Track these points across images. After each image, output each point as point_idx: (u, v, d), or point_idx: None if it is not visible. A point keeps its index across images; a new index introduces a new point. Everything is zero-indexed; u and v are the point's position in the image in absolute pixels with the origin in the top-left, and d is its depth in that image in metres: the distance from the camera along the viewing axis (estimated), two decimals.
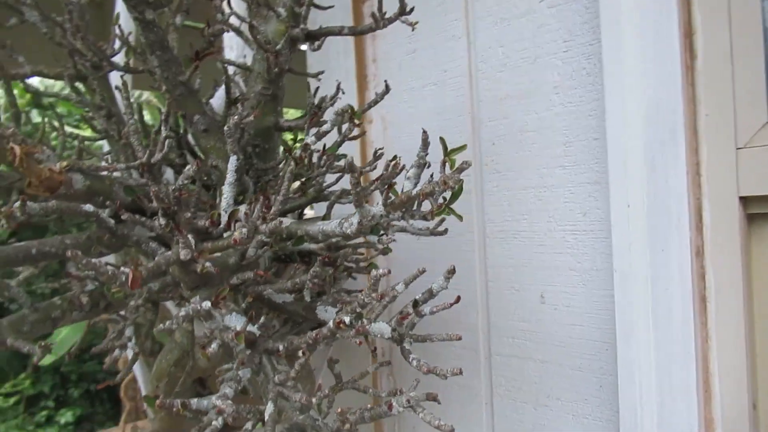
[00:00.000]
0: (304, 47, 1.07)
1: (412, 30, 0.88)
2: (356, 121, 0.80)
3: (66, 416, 6.94)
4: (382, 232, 0.80)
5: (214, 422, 0.56)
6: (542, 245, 1.01)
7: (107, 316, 0.68)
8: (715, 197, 0.79)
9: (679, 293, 0.80)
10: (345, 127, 0.84)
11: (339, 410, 0.65)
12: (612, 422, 0.92)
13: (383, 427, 1.31)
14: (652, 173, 0.82)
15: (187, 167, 0.63)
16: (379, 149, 0.90)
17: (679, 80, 0.79)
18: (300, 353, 0.61)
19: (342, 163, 0.83)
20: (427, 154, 0.68)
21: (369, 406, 0.68)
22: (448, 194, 0.70)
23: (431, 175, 0.69)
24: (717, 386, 0.79)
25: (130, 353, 0.75)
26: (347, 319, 0.61)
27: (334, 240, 0.69)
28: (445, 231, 0.84)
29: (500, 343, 1.09)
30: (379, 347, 1.30)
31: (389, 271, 0.67)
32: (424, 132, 0.68)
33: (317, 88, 1.01)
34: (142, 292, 0.65)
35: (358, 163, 1.31)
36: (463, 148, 0.76)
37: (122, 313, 0.67)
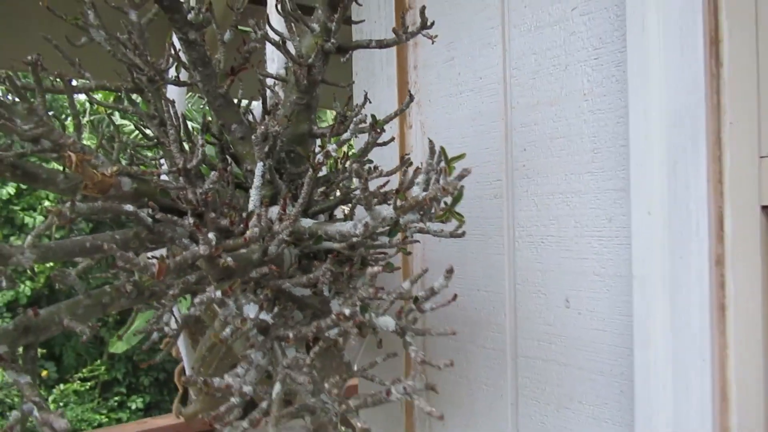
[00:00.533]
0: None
1: (432, 43, 0.92)
2: (378, 129, 0.85)
3: (137, 402, 7.37)
4: (399, 233, 0.84)
5: (232, 399, 0.62)
6: (569, 250, 1.03)
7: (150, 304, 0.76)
8: (737, 206, 0.79)
9: (697, 301, 0.80)
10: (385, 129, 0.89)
11: (336, 391, 0.70)
12: (631, 427, 0.92)
13: (414, 421, 1.36)
14: (674, 181, 0.82)
15: (212, 173, 0.71)
16: (407, 155, 0.95)
17: (703, 88, 0.79)
18: (312, 342, 0.67)
19: (368, 167, 0.88)
20: (434, 161, 0.72)
21: (372, 392, 0.73)
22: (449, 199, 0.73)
23: (438, 180, 0.73)
24: (734, 394, 0.79)
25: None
26: (347, 311, 0.66)
27: (354, 240, 0.74)
28: (463, 234, 0.88)
29: (526, 345, 1.11)
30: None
31: (382, 269, 0.71)
32: (431, 141, 0.72)
33: (349, 97, 1.07)
34: (179, 283, 0.72)
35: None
36: (461, 156, 0.80)
37: (162, 301, 0.75)
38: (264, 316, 0.67)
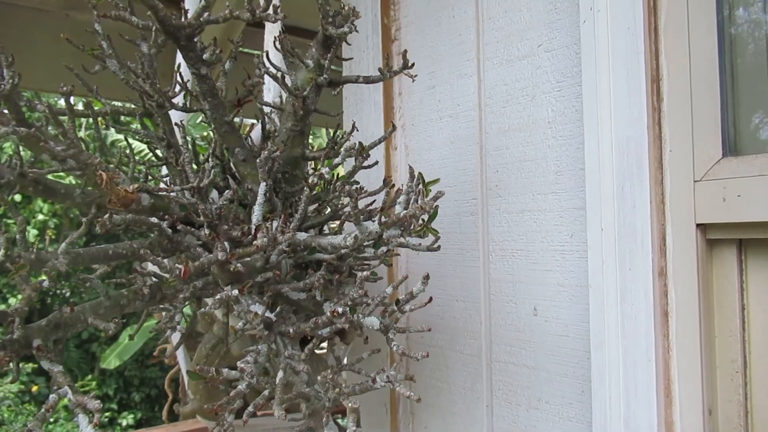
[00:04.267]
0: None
1: (413, 81, 1.03)
2: (364, 155, 0.95)
3: (128, 419, 7.35)
4: (382, 246, 0.94)
5: (240, 386, 0.71)
6: (536, 263, 1.13)
7: (162, 306, 0.86)
8: (677, 224, 0.89)
9: (643, 308, 0.90)
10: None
11: (330, 377, 0.79)
12: (591, 424, 1.02)
13: (398, 424, 1.44)
14: (622, 201, 0.93)
15: (227, 192, 0.81)
16: (390, 177, 1.05)
17: (645, 120, 0.90)
18: (308, 338, 0.76)
19: (355, 187, 0.99)
20: (413, 184, 0.82)
21: (359, 381, 0.82)
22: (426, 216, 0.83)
23: (416, 201, 0.83)
24: (677, 392, 0.89)
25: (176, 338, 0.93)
26: (340, 309, 0.76)
27: (343, 251, 0.84)
28: (438, 248, 0.97)
29: (499, 351, 1.21)
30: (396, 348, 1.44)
31: (369, 275, 0.82)
32: (410, 167, 0.83)
33: (338, 125, 1.17)
34: (189, 287, 0.82)
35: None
36: (436, 181, 0.91)
37: (174, 303, 0.84)
38: (268, 314, 0.77)
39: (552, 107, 1.10)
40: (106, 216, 0.68)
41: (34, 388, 7.09)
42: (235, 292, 0.73)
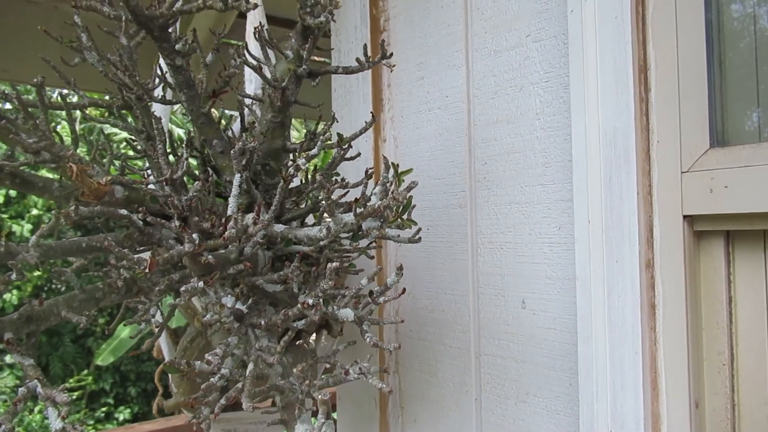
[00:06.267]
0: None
1: (391, 71, 1.02)
2: (343, 146, 0.94)
3: (124, 413, 7.35)
4: (363, 238, 0.93)
5: (212, 379, 0.70)
6: (524, 255, 1.12)
7: (138, 299, 0.85)
8: (664, 215, 0.88)
9: (630, 300, 0.89)
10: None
11: (299, 368, 0.79)
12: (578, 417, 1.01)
13: (388, 418, 1.44)
14: (609, 193, 0.92)
15: (196, 183, 0.80)
16: (370, 169, 1.04)
17: (632, 110, 0.89)
18: (280, 330, 0.75)
19: (337, 179, 0.97)
20: (389, 174, 0.81)
21: (333, 373, 0.81)
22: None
23: (390, 192, 0.82)
24: (663, 384, 0.88)
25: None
26: (310, 301, 0.75)
27: (321, 243, 0.83)
28: (419, 239, 0.96)
29: (488, 344, 1.20)
30: (385, 338, 1.43)
31: (340, 266, 0.80)
32: (385, 158, 0.82)
33: (320, 116, 1.16)
34: (165, 280, 0.81)
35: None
36: (409, 171, 0.90)
37: (150, 296, 0.83)
38: (240, 306, 0.76)
39: (540, 98, 1.09)
40: (72, 208, 0.67)
41: None
42: (201, 284, 0.72)
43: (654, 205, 0.89)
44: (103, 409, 7.46)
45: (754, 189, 0.79)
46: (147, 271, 0.64)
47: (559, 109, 1.06)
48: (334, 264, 0.77)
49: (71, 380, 7.52)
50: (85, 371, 7.56)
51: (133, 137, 0.98)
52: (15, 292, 6.93)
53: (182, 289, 0.70)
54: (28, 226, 7.35)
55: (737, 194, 0.80)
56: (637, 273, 0.88)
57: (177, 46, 0.82)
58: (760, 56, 0.84)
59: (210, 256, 0.71)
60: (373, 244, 0.96)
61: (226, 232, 0.72)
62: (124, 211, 0.75)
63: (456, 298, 1.27)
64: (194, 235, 0.70)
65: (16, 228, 7.10)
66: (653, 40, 0.90)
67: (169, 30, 0.81)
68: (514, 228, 1.14)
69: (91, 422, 7.34)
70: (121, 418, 7.38)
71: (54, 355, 7.51)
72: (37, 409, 6.80)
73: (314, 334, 1.29)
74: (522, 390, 1.13)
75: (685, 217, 0.86)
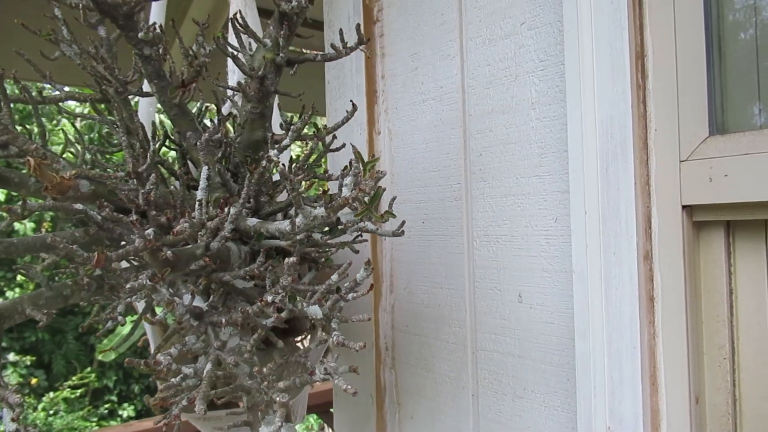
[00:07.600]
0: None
1: (366, 56, 0.99)
2: (321, 137, 0.91)
3: (128, 410, 7.36)
4: (342, 233, 0.90)
5: (172, 380, 0.68)
6: (520, 248, 1.10)
7: (109, 296, 0.82)
8: (662, 206, 0.86)
9: (628, 293, 0.87)
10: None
11: (257, 368, 0.76)
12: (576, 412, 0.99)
13: (385, 414, 1.42)
14: (606, 183, 0.89)
15: (152, 176, 0.77)
16: (353, 160, 1.01)
17: (629, 98, 0.86)
18: (250, 328, 0.73)
19: (327, 173, 0.95)
20: (359, 164, 0.79)
21: (300, 374, 0.79)
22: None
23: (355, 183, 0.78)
24: (662, 379, 0.86)
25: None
26: (270, 298, 0.72)
27: (292, 237, 0.80)
28: (402, 233, 0.94)
29: (484, 339, 1.18)
30: (382, 337, 1.41)
31: (298, 260, 0.77)
32: (354, 148, 0.79)
33: (303, 105, 1.13)
34: (134, 276, 0.78)
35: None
36: (376, 160, 0.87)
37: (119, 294, 0.81)
38: (199, 303, 0.73)
39: (535, 87, 1.07)
40: (19, 203, 0.65)
41: (34, 381, 7.09)
42: (147, 280, 0.69)
43: (652, 195, 0.87)
44: (107, 406, 7.48)
45: (755, 177, 0.76)
46: (95, 266, 0.62)
47: (554, 99, 1.03)
48: (291, 259, 0.74)
49: (74, 378, 7.53)
50: (88, 368, 7.57)
51: (110, 130, 0.96)
52: (18, 290, 6.94)
53: (127, 287, 0.68)
54: (31, 225, 7.34)
55: (737, 183, 0.78)
56: (635, 265, 0.86)
57: (140, 35, 0.80)
58: (761, 41, 0.81)
59: (169, 252, 0.69)
60: (360, 238, 0.94)
61: (178, 227, 0.70)
62: (79, 206, 0.72)
63: (452, 293, 1.25)
64: (150, 230, 0.68)
65: (18, 227, 7.10)
66: (650, 26, 0.87)
67: (134, 19, 0.78)
68: (510, 220, 1.11)
69: (95, 419, 7.35)
70: (125, 415, 7.39)
71: (57, 353, 7.52)
72: (40, 407, 6.81)
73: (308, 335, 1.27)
74: (519, 386, 1.11)
75: (684, 207, 0.84)
